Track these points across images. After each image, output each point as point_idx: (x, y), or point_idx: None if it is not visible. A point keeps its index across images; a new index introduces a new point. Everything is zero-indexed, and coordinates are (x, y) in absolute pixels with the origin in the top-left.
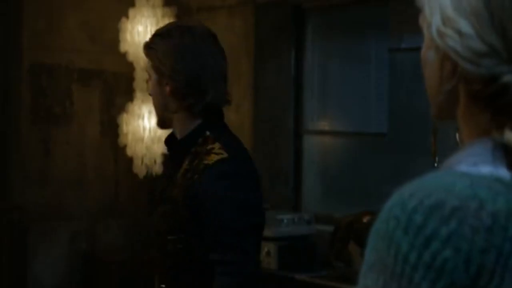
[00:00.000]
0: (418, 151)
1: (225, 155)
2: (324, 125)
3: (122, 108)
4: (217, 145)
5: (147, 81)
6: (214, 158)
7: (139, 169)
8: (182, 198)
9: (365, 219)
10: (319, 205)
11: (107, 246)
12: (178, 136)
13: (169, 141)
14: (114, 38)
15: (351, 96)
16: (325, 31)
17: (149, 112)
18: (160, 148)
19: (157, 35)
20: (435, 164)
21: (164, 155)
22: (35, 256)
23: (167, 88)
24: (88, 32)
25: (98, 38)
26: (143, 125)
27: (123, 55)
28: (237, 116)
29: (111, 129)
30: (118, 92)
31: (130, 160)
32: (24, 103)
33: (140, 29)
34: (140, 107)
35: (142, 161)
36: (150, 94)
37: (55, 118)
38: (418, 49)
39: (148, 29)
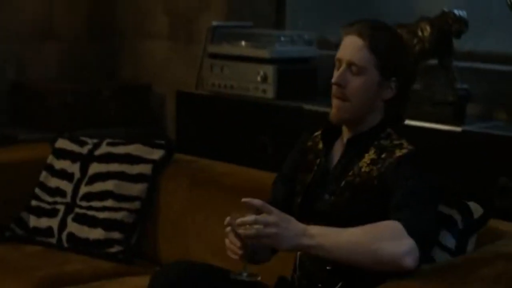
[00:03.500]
0: None
1: (411, 148)
2: None
3: None
4: (405, 142)
5: (339, 70)
6: (405, 149)
7: None
8: (371, 185)
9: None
10: (309, 25)
11: (39, 74)
12: (350, 129)
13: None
14: None
15: None
16: None
17: None
18: None
19: (374, 27)
20: None
21: None
22: None
23: (388, 92)
24: None
25: None
26: None
27: None
28: None
29: None
30: None
31: None
32: None
33: None
34: None
35: None
36: (340, 85)
37: None
38: None
39: None
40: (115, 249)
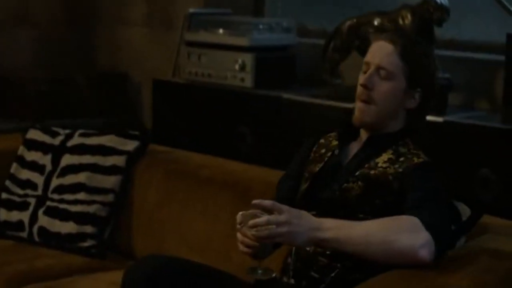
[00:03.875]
0: None
1: (428, 160)
2: None
3: None
4: (422, 153)
5: (367, 73)
6: (421, 158)
7: None
8: (386, 180)
9: (375, 21)
10: (288, 12)
11: (13, 61)
12: (370, 132)
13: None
14: None
15: None
16: None
17: None
18: None
19: (407, 36)
20: None
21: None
22: None
23: (412, 102)
24: None
25: None
26: None
27: None
28: None
29: None
30: None
31: None
32: None
33: None
34: None
35: None
36: (367, 87)
37: None
38: None
39: None
40: (87, 243)
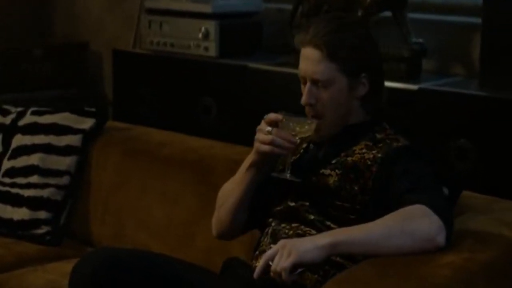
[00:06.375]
0: None
1: (409, 144)
2: None
3: None
4: (401, 138)
5: (305, 90)
6: (401, 143)
7: None
8: (364, 165)
9: None
10: None
11: None
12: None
13: None
14: None
15: None
16: None
17: None
18: None
19: (330, 32)
20: None
21: None
22: None
23: (362, 89)
24: None
25: None
26: None
27: None
28: None
29: None
30: None
31: None
32: None
33: None
34: None
35: None
36: (310, 104)
37: None
38: None
39: None
40: (42, 230)
